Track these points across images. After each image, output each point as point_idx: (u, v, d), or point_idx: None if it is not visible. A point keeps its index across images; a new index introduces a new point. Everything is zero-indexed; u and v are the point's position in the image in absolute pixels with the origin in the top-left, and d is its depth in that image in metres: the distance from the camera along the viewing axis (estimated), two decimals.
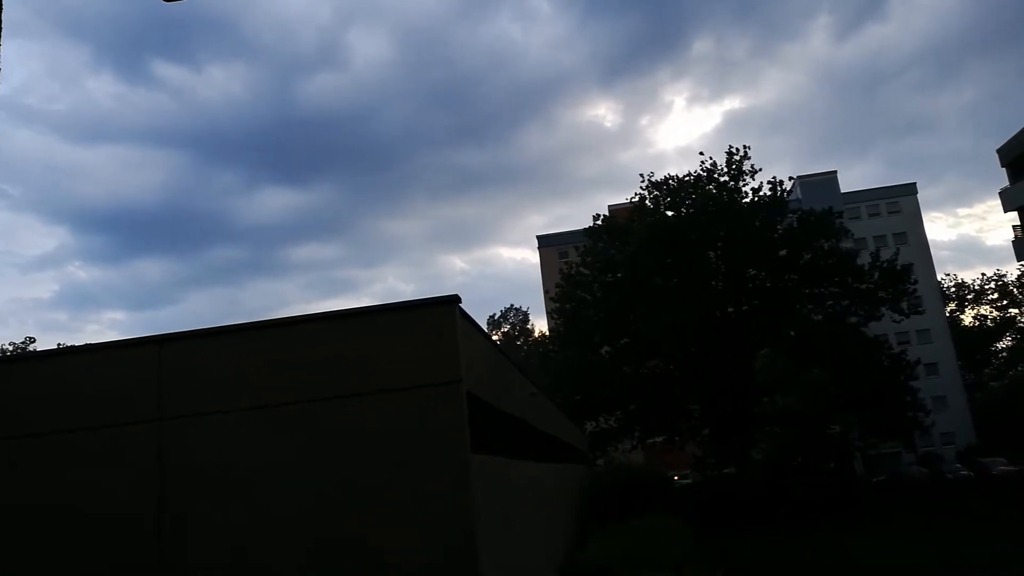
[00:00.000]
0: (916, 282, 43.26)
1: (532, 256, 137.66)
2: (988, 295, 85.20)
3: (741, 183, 41.68)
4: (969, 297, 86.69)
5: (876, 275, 41.32)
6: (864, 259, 42.27)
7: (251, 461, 8.75)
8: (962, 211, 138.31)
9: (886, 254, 43.64)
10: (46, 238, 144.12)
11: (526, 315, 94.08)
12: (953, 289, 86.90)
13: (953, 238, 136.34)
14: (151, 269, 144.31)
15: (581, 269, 43.36)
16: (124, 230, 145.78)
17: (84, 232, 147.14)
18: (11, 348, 60.41)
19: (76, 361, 9.77)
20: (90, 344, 10.02)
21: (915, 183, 78.60)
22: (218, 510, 8.63)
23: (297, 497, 8.55)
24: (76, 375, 9.40)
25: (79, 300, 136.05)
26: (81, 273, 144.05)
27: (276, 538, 8.44)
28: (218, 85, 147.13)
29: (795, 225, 41.38)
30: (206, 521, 8.61)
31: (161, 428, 8.97)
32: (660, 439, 45.02)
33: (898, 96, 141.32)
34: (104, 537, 8.67)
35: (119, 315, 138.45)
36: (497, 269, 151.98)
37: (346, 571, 8.22)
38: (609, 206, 57.84)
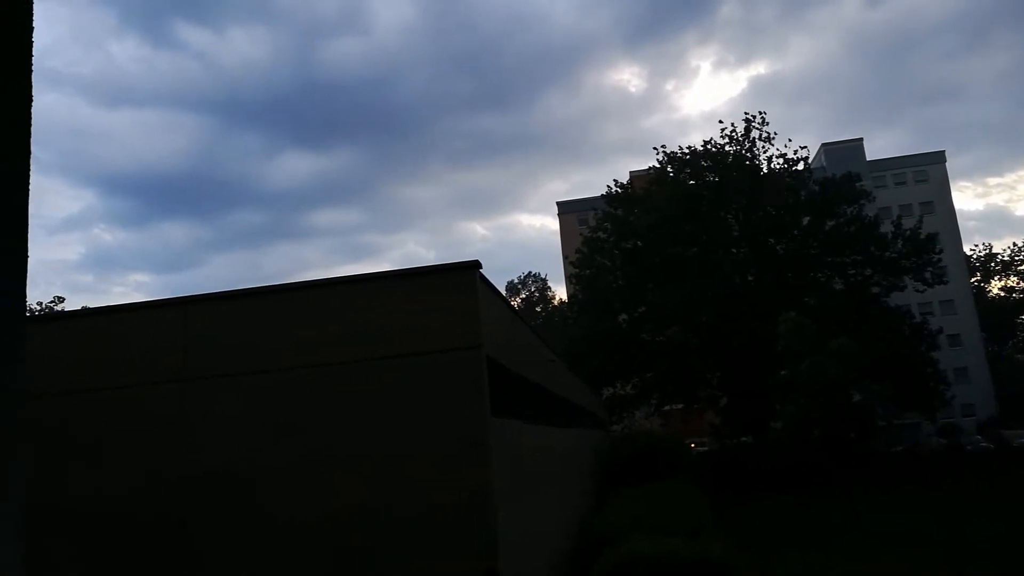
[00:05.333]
0: (941, 252, 42.68)
1: (552, 223, 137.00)
2: (1017, 266, 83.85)
3: (760, 149, 41.24)
4: (997, 268, 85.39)
5: (900, 244, 40.80)
6: (888, 228, 41.73)
7: (271, 423, 8.90)
8: (992, 180, 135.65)
9: (912, 223, 43.03)
10: (72, 201, 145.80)
11: (545, 281, 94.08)
12: (983, 258, 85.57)
13: (981, 208, 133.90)
14: (175, 232, 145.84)
15: (600, 234, 43.20)
16: (148, 193, 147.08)
17: (109, 195, 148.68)
18: (39, 308, 61.38)
19: (103, 321, 9.95)
20: (117, 305, 10.20)
21: (944, 151, 77.16)
22: (240, 470, 8.81)
23: (315, 460, 8.70)
24: (104, 335, 9.58)
25: (105, 262, 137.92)
26: (107, 236, 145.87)
27: (294, 500, 8.62)
28: (240, 49, 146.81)
29: (817, 191, 40.89)
30: (226, 481, 8.80)
31: (184, 389, 9.15)
32: (678, 406, 45.18)
33: (928, 63, 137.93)
34: (128, 496, 8.89)
35: (144, 277, 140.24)
36: (517, 236, 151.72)
37: (362, 532, 8.38)
38: (631, 172, 57.37)
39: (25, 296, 1.22)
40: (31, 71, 1.30)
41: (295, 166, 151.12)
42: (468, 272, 9.10)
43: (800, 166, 41.61)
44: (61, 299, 64.48)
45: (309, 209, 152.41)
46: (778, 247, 41.11)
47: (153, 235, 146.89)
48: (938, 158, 76.68)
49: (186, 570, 8.59)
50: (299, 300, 9.46)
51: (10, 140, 1.24)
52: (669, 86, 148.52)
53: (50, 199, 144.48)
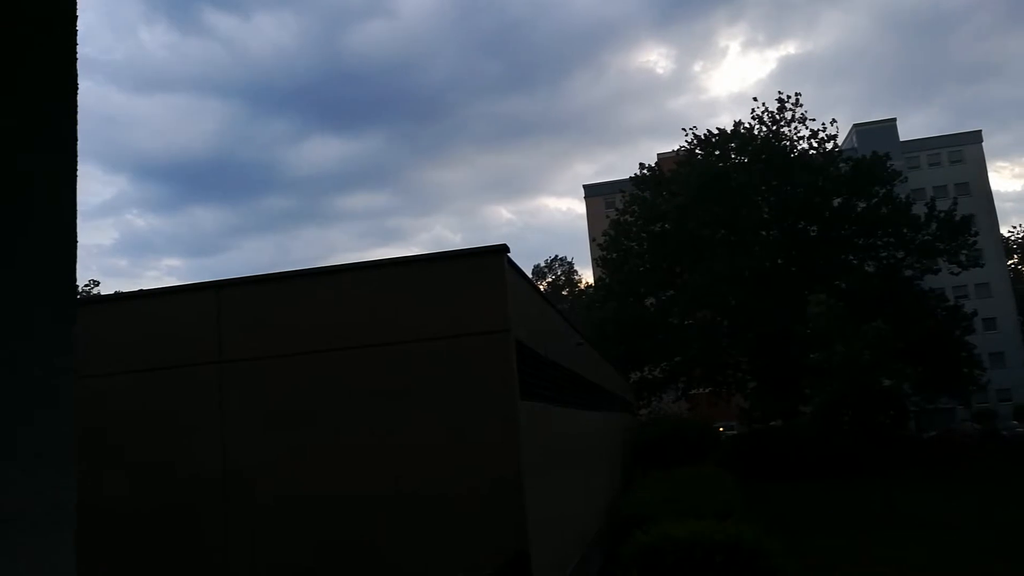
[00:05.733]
0: (977, 234, 41.80)
1: (579, 206, 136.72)
2: None
3: (792, 130, 40.65)
4: None
5: (934, 226, 40.02)
6: (921, 209, 40.95)
7: (303, 405, 9.02)
8: None
9: (946, 205, 42.17)
10: (106, 186, 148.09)
11: (571, 265, 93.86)
12: (1020, 240, 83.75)
13: (1019, 189, 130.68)
14: (206, 217, 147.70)
15: (627, 217, 42.98)
16: (179, 179, 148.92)
17: (141, 180, 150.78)
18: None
19: (141, 304, 10.14)
20: (153, 288, 10.38)
21: (980, 131, 75.34)
22: (276, 452, 8.95)
23: (348, 440, 8.81)
24: (141, 318, 9.76)
25: (138, 247, 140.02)
26: (139, 221, 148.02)
27: (328, 478, 8.74)
28: (267, 34, 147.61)
29: (847, 173, 40.22)
30: (265, 462, 8.95)
31: (221, 371, 9.29)
32: (705, 390, 44.96)
33: (965, 40, 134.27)
34: (170, 477, 9.08)
35: (176, 262, 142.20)
36: (543, 219, 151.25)
37: (392, 515, 8.47)
38: (658, 154, 56.87)
39: (75, 285, 1.23)
40: (76, 59, 1.31)
41: (323, 151, 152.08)
42: (496, 256, 9.11)
43: (830, 145, 40.95)
44: (96, 283, 65.56)
45: (338, 193, 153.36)
46: (810, 229, 40.59)
47: (184, 220, 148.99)
48: (974, 138, 74.93)
49: (204, 558, 8.76)
50: (328, 284, 9.54)
51: (59, 130, 1.25)
52: (697, 67, 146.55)
53: (84, 185, 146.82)
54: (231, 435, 9.08)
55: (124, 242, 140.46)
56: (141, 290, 11.00)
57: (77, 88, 1.34)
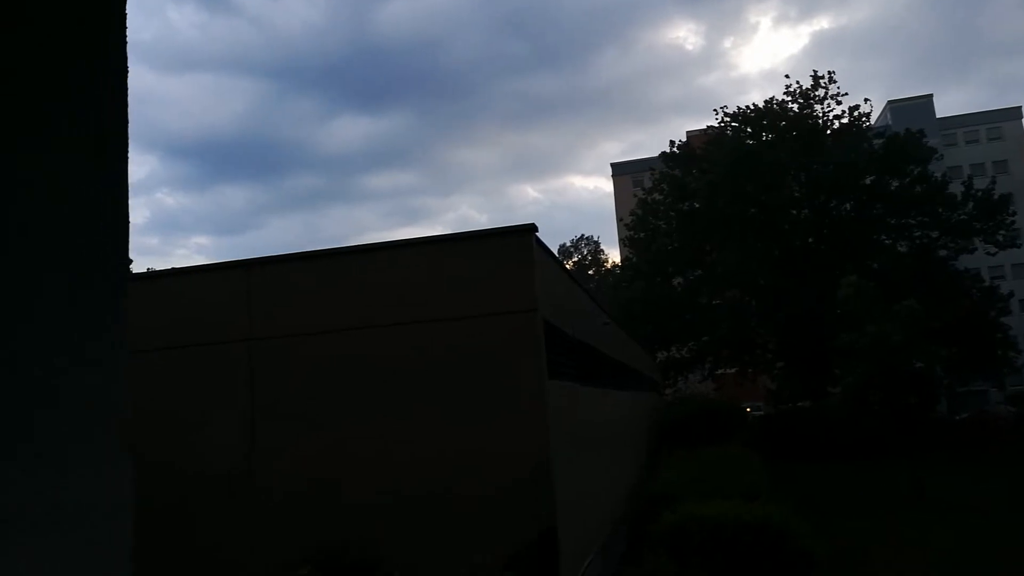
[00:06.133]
0: (1015, 213, 40.86)
1: (606, 185, 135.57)
2: None
3: (826, 107, 39.95)
4: None
5: (971, 205, 39.17)
6: (958, 188, 40.05)
7: (332, 384, 9.11)
8: None
9: (984, 183, 41.17)
10: (137, 166, 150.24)
11: (598, 244, 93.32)
12: None
13: None
14: (234, 195, 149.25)
15: (655, 196, 42.63)
16: (208, 157, 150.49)
17: (171, 160, 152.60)
18: None
19: (172, 282, 10.30)
20: (184, 267, 10.54)
21: (1020, 107, 73.23)
22: (302, 429, 9.07)
23: (377, 420, 8.90)
24: (173, 296, 9.92)
25: (168, 225, 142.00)
26: (169, 200, 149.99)
27: (355, 461, 8.84)
28: (295, 12, 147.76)
29: (880, 150, 39.42)
30: (291, 438, 9.08)
31: (251, 348, 9.42)
32: (733, 370, 44.71)
33: (1005, 13, 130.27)
34: (199, 454, 9.25)
35: (204, 240, 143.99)
36: (570, 198, 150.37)
37: (423, 492, 8.56)
38: (687, 132, 56.23)
39: (128, 267, 1.24)
40: (126, 43, 1.32)
41: (350, 129, 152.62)
42: (525, 236, 9.09)
43: (862, 121, 40.19)
44: (130, 261, 66.90)
45: (364, 172, 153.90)
46: (844, 207, 40.02)
47: (213, 198, 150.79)
48: (1014, 115, 72.93)
49: (233, 533, 8.92)
50: (358, 262, 9.60)
51: (112, 113, 1.26)
52: (727, 43, 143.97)
53: None
54: (260, 412, 9.22)
55: (155, 220, 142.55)
56: (173, 268, 11.17)
57: (127, 71, 1.36)
